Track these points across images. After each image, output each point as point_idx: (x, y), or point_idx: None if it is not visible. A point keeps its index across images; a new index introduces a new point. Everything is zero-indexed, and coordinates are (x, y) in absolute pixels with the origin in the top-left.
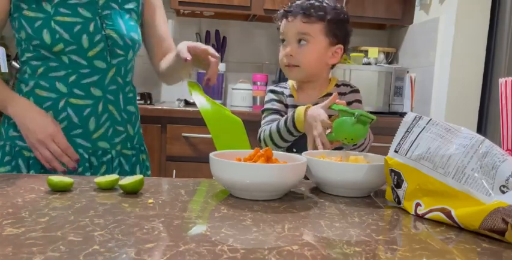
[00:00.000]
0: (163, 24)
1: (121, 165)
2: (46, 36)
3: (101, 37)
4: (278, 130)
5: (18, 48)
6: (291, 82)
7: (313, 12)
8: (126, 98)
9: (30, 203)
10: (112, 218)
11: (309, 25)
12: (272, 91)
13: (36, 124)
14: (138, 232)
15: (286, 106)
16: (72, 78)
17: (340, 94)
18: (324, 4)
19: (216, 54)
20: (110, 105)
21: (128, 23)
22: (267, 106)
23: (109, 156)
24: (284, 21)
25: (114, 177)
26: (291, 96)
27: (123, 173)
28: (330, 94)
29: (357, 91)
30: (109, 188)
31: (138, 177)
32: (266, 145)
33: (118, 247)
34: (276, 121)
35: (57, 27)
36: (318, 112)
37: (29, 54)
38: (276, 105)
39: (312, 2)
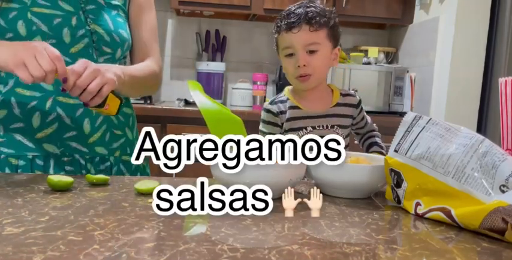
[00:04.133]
0: (149, 30)
1: (121, 172)
2: (21, 28)
3: (85, 32)
4: None
5: None
6: (288, 93)
7: (318, 20)
8: None
9: (30, 203)
10: (112, 217)
11: (316, 33)
12: (268, 111)
13: (14, 44)
14: (138, 231)
15: (282, 127)
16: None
17: (347, 105)
18: (322, 9)
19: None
20: None
21: (115, 19)
22: (263, 128)
23: (107, 163)
24: (288, 33)
25: (105, 177)
26: (294, 108)
27: None
28: (339, 104)
29: (360, 101)
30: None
31: (155, 182)
32: None
33: (118, 246)
34: None
35: (34, 19)
36: None
37: None
38: (272, 129)
39: (310, 9)
